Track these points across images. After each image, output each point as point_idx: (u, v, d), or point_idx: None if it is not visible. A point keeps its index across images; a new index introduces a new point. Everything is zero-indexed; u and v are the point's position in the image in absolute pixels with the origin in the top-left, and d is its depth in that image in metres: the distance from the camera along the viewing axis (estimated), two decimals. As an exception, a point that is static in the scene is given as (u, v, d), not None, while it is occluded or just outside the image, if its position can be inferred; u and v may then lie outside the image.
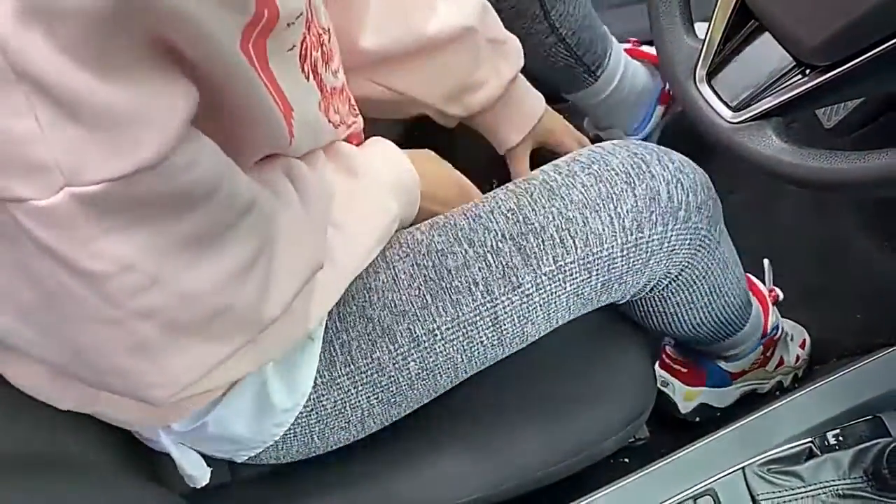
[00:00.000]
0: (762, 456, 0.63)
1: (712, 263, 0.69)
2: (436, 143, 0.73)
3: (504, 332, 0.63)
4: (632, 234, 0.63)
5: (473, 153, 0.83)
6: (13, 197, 0.32)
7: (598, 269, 0.64)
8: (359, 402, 0.61)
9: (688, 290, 0.70)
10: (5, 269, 0.37)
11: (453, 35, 0.71)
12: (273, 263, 0.44)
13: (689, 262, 0.67)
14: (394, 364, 0.60)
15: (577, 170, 0.65)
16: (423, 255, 0.62)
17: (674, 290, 0.69)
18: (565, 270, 0.62)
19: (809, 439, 0.64)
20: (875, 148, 0.51)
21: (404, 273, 0.61)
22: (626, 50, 0.98)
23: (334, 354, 0.59)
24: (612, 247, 0.63)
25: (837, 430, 0.65)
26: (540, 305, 0.63)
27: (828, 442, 0.64)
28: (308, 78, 0.47)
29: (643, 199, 0.64)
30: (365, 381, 0.60)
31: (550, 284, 0.62)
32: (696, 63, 0.62)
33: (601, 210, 0.63)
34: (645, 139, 1.04)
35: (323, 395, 0.60)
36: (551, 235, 0.62)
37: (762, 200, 1.08)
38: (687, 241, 0.66)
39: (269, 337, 0.46)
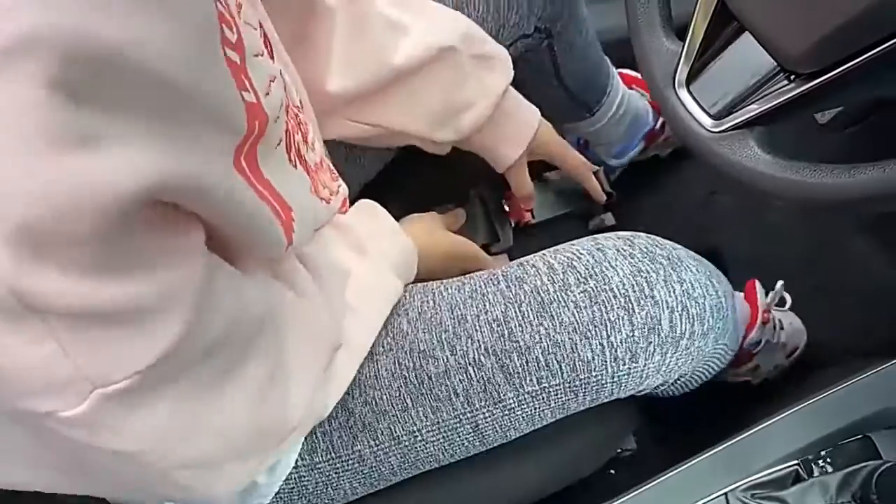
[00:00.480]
0: (746, 481, 0.60)
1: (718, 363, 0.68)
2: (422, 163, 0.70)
3: (486, 437, 0.60)
4: (624, 364, 0.59)
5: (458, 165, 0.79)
6: (41, 412, 0.30)
7: (585, 392, 0.60)
8: (340, 485, 0.59)
9: (683, 380, 0.68)
10: (32, 441, 0.35)
11: (428, 57, 0.66)
12: (289, 365, 0.43)
13: (689, 371, 0.65)
14: (375, 457, 0.58)
15: (571, 282, 0.60)
16: (406, 352, 0.59)
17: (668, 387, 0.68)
18: (549, 391, 0.59)
19: (796, 462, 0.61)
20: (869, 146, 0.47)
21: (386, 370, 0.58)
22: (621, 74, 0.96)
23: (316, 442, 0.58)
24: (602, 374, 0.59)
25: (825, 452, 0.62)
26: (523, 418, 0.60)
27: (815, 464, 0.61)
28: (296, 166, 0.44)
29: (641, 328, 0.59)
30: (346, 468, 0.58)
31: (534, 402, 0.60)
32: (676, 67, 0.58)
33: (592, 337, 0.58)
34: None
35: (304, 477, 0.58)
36: (536, 357, 0.58)
37: (755, 200, 1.05)
38: (689, 361, 0.62)
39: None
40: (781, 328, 0.96)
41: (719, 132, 0.56)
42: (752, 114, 0.54)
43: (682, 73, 0.58)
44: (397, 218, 0.67)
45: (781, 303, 0.93)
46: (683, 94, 0.58)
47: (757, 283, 0.94)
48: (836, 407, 0.63)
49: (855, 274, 1.01)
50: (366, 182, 0.78)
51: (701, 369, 0.67)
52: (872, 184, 0.47)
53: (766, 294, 0.94)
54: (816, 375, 0.97)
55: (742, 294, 0.95)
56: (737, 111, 0.55)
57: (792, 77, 0.53)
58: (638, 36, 0.60)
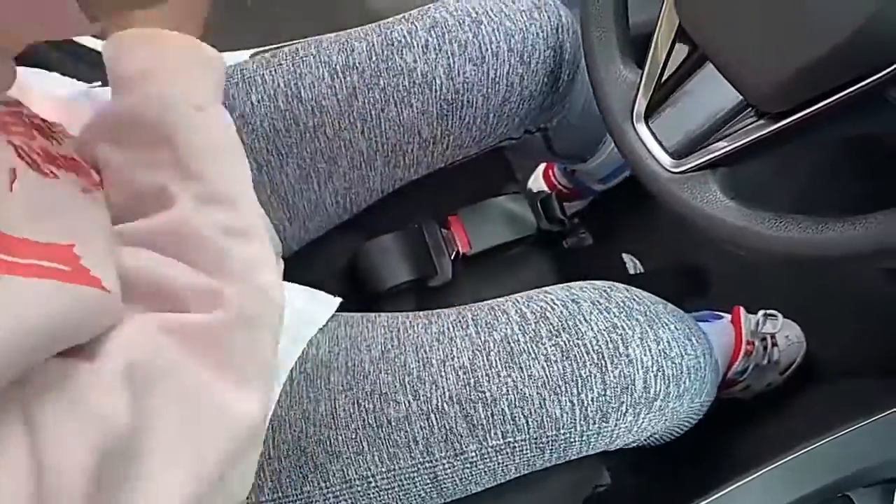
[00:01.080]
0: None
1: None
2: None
3: (444, 489, 0.56)
4: (594, 424, 0.56)
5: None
6: None
7: (552, 449, 0.57)
8: None
9: (656, 437, 0.64)
10: None
11: None
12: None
13: (662, 430, 0.61)
14: (324, 500, 0.54)
15: (543, 334, 0.56)
16: (367, 393, 0.55)
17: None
18: (514, 447, 0.55)
19: (770, 524, 0.57)
20: (836, 192, 0.42)
21: (343, 410, 0.54)
22: None
23: (263, 480, 0.54)
24: (570, 432, 0.56)
25: (803, 513, 0.57)
26: (484, 472, 0.56)
27: (790, 528, 0.56)
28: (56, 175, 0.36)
29: (613, 387, 0.55)
30: None
31: (497, 456, 0.56)
32: (634, 99, 0.52)
33: (562, 393, 0.55)
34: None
35: None
36: (502, 410, 0.55)
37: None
38: (662, 421, 0.59)
39: None
40: (774, 345, 0.91)
41: (679, 173, 0.50)
42: (715, 153, 0.48)
43: (641, 105, 0.52)
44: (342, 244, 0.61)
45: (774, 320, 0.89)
46: (642, 128, 0.52)
47: (742, 311, 0.89)
48: (814, 465, 0.59)
49: (850, 287, 0.96)
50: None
51: (675, 427, 0.63)
52: (843, 242, 0.42)
53: (754, 316, 0.89)
54: (808, 393, 0.93)
55: (728, 318, 0.90)
56: (699, 150, 0.50)
57: (760, 114, 0.47)
58: (593, 62, 0.54)
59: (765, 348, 0.90)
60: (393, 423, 0.54)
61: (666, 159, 0.51)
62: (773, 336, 0.89)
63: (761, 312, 0.89)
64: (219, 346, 0.37)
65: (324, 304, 0.60)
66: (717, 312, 0.91)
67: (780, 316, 0.89)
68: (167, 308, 0.37)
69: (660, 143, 0.51)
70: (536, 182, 1.04)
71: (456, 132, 0.66)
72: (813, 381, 0.91)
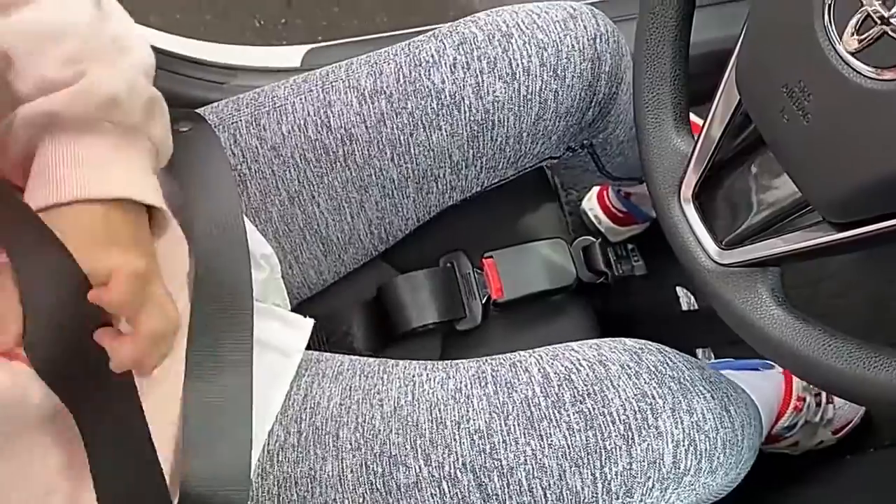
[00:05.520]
0: None
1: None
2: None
3: None
4: (617, 499, 0.52)
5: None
6: None
7: None
8: None
9: None
10: None
11: None
12: None
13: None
14: None
15: (566, 399, 0.53)
16: (376, 455, 0.52)
17: None
18: None
19: None
20: None
21: (351, 472, 0.52)
22: None
23: None
24: None
25: None
26: None
27: None
28: None
29: (640, 461, 0.51)
30: None
31: None
32: (684, 174, 0.47)
33: (584, 465, 0.51)
34: None
35: None
36: (519, 480, 0.51)
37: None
38: (692, 496, 0.54)
39: None
40: (829, 402, 0.85)
41: (725, 265, 0.45)
42: (768, 252, 0.43)
43: (690, 181, 0.47)
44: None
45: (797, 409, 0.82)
46: (689, 208, 0.47)
47: None
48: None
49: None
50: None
51: (707, 499, 0.59)
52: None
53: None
54: (864, 458, 0.86)
55: (780, 368, 0.84)
56: (750, 242, 0.44)
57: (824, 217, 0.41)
58: (643, 130, 0.48)
59: (818, 404, 0.84)
60: (402, 490, 0.52)
61: (712, 247, 0.46)
62: (827, 395, 0.83)
63: None
64: None
65: (299, 328, 0.57)
66: (768, 361, 0.85)
67: None
68: None
69: (708, 228, 0.46)
70: (590, 203, 0.98)
71: (489, 154, 0.62)
72: (869, 445, 0.84)
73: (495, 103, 0.59)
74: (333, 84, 0.60)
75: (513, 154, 0.63)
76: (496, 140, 0.61)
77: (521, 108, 0.60)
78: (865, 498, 0.81)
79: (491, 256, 0.66)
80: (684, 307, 0.91)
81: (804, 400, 0.81)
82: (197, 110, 0.62)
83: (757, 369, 0.83)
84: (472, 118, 0.60)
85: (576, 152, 0.70)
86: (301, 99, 0.60)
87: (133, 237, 0.41)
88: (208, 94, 0.83)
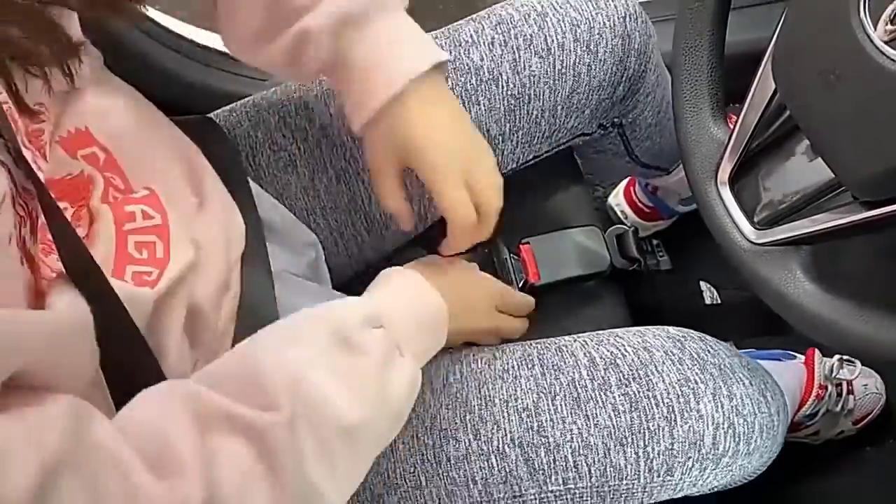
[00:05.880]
0: None
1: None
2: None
3: None
4: (658, 476, 0.55)
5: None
6: None
7: (612, 498, 0.56)
8: None
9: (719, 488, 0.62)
10: None
11: None
12: None
13: (727, 484, 0.60)
14: None
15: (612, 382, 0.55)
16: (427, 429, 0.55)
17: None
18: (574, 493, 0.55)
19: None
20: None
21: (403, 443, 0.55)
22: None
23: None
24: (633, 484, 0.55)
25: None
26: None
27: None
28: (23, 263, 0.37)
29: (681, 442, 0.54)
30: None
31: (556, 501, 0.55)
32: (720, 160, 0.50)
33: (628, 444, 0.54)
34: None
35: None
36: (565, 456, 0.54)
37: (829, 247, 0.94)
38: (728, 476, 0.57)
39: None
40: (850, 392, 0.87)
41: (760, 245, 0.48)
42: (801, 231, 0.46)
43: (726, 167, 0.50)
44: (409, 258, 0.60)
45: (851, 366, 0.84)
46: (725, 192, 0.50)
47: (817, 353, 0.85)
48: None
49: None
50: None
51: (740, 479, 0.61)
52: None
53: (830, 360, 0.85)
54: (884, 448, 0.88)
55: (801, 359, 0.86)
56: (784, 222, 0.47)
57: (856, 196, 0.44)
58: (681, 114, 0.51)
59: (839, 394, 0.86)
60: (452, 461, 0.54)
61: (748, 228, 0.48)
62: (849, 383, 0.85)
63: (837, 357, 0.85)
64: None
65: None
66: (790, 352, 0.87)
67: (858, 363, 0.84)
68: None
69: (743, 211, 0.49)
70: (616, 198, 1.01)
71: (524, 127, 0.65)
72: (890, 436, 0.86)
73: (531, 77, 0.63)
74: None
75: (548, 128, 0.66)
76: (532, 114, 0.64)
77: (556, 82, 0.63)
78: (886, 489, 0.83)
79: (528, 242, 0.69)
80: (707, 301, 0.93)
81: (826, 388, 0.83)
82: (248, 97, 0.65)
83: (779, 360, 0.85)
84: (509, 92, 0.63)
85: (607, 131, 0.72)
86: None
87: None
88: (246, 90, 0.86)
